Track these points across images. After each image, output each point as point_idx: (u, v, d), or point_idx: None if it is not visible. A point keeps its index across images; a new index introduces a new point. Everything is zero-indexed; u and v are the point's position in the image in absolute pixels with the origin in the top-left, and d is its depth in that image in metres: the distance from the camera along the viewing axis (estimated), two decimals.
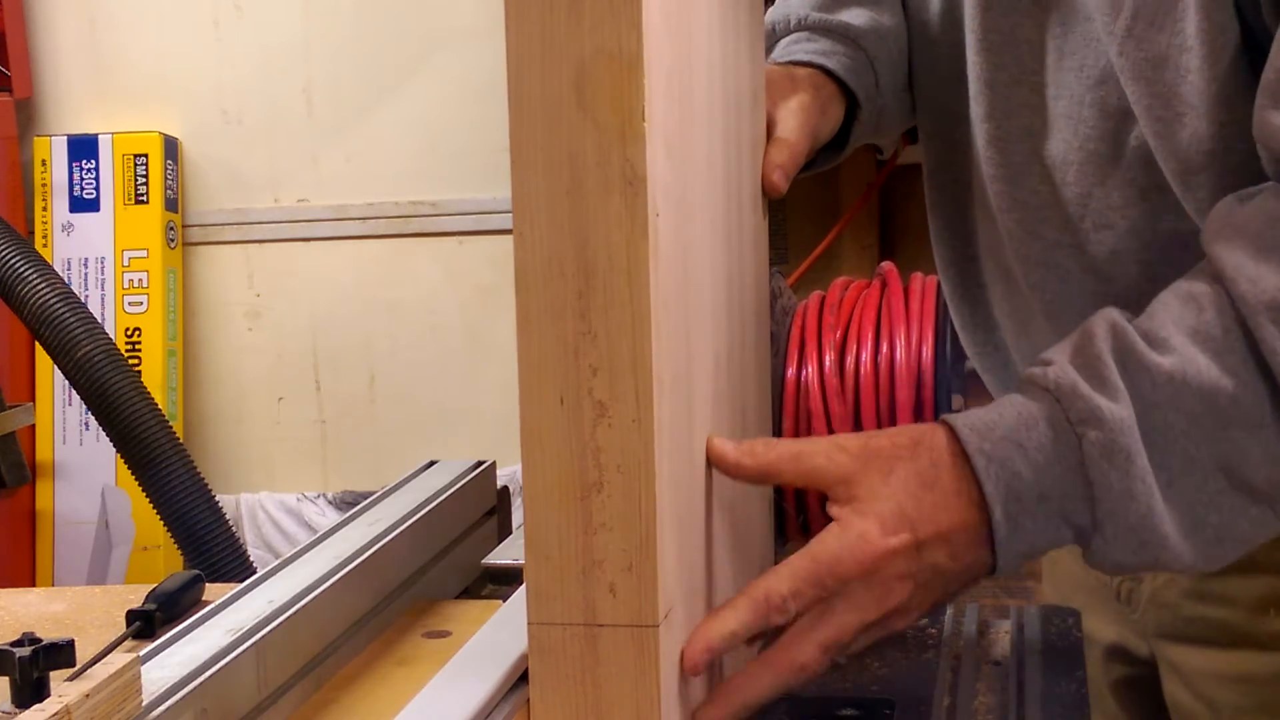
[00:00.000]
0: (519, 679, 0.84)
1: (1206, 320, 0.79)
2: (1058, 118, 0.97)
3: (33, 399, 3.01)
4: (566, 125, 0.68)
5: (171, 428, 2.25)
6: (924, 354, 2.15)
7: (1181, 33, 0.86)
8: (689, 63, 0.77)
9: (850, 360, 2.18)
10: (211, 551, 2.18)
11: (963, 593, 0.83)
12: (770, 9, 1.13)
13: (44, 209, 3.09)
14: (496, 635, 0.91)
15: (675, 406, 0.74)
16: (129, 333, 3.05)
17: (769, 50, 1.10)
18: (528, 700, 0.78)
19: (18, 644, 0.89)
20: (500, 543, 1.27)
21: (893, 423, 2.34)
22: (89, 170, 3.08)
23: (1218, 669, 1.03)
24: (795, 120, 1.00)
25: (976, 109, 1.01)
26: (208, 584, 1.17)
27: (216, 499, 2.25)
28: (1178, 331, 0.79)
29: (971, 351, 1.18)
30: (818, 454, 0.82)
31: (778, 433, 2.28)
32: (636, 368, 0.69)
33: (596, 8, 0.67)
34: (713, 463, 0.82)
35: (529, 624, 0.73)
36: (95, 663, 0.85)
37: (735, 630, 0.77)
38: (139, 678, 0.84)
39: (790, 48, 1.08)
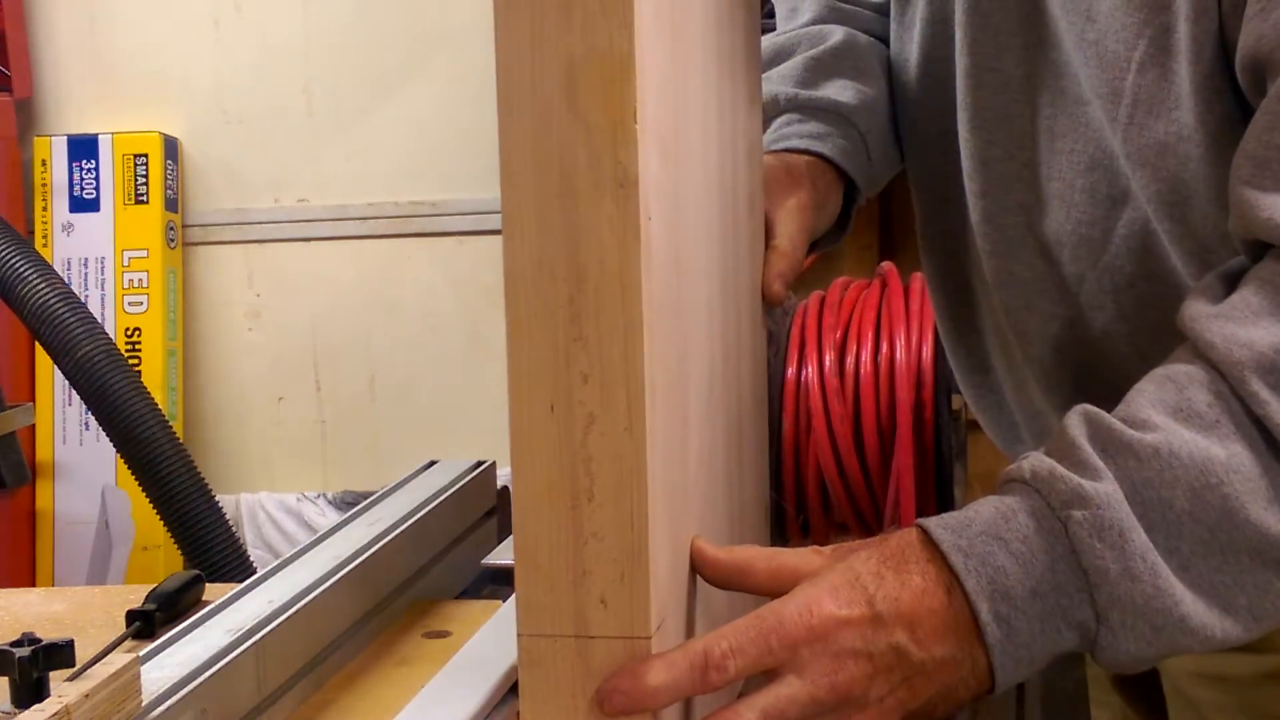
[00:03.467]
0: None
1: (1189, 397, 0.74)
2: (1051, 197, 0.96)
3: (33, 399, 3.01)
4: (557, 127, 0.67)
5: (171, 428, 2.25)
6: (924, 354, 2.15)
7: (1177, 122, 0.85)
8: (683, 63, 0.76)
9: (850, 360, 2.18)
10: (211, 551, 2.18)
11: (953, 706, 0.74)
12: None
13: (44, 209, 3.09)
14: (496, 635, 0.91)
15: (668, 413, 0.73)
16: (129, 333, 3.05)
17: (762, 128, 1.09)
18: None
19: (17, 644, 0.89)
20: (500, 543, 1.27)
21: (893, 423, 2.34)
22: (89, 170, 3.08)
23: (1199, 668, 1.03)
24: (794, 224, 0.99)
25: (971, 185, 1.01)
26: (208, 584, 1.17)
27: (216, 499, 2.25)
28: (1157, 411, 0.75)
29: (967, 392, 1.17)
30: (791, 553, 0.78)
31: (777, 433, 2.27)
32: (628, 374, 0.68)
33: (587, 7, 0.66)
34: (694, 564, 0.78)
35: (519, 635, 0.71)
36: (95, 663, 0.85)
37: (663, 685, 0.70)
38: (139, 678, 0.84)
39: (783, 130, 1.07)
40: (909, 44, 1.07)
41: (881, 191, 1.18)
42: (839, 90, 1.07)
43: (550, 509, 0.70)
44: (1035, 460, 0.75)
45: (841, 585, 0.72)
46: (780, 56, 1.12)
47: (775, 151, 1.05)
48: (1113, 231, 0.93)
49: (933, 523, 0.75)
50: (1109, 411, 0.76)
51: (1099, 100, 0.90)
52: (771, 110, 1.08)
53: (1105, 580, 0.71)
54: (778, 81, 1.09)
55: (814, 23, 1.14)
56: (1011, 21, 0.95)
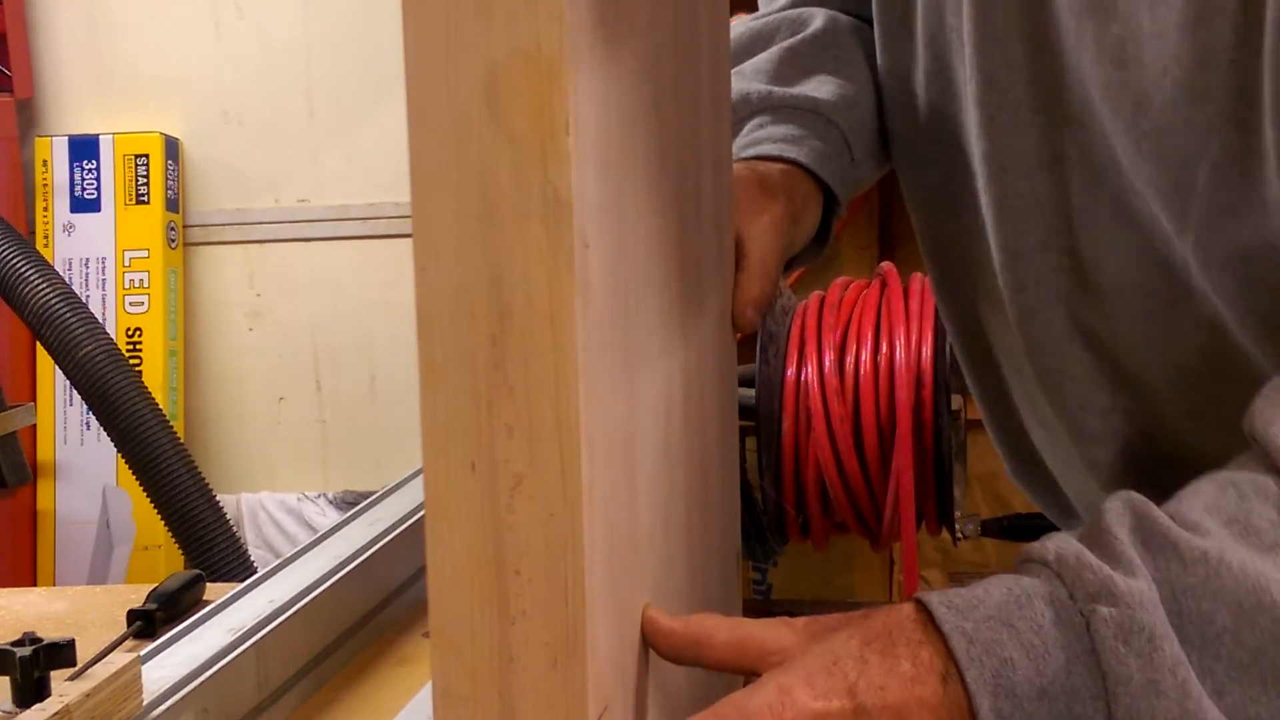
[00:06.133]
0: None
1: (1249, 509, 0.65)
2: (1098, 290, 0.87)
3: (34, 399, 3.01)
4: (476, 140, 0.57)
5: (172, 428, 2.25)
6: (924, 354, 2.14)
7: (1265, 229, 0.77)
8: (630, 64, 0.66)
9: (850, 360, 2.17)
10: (212, 551, 2.18)
11: None
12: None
13: (45, 209, 3.09)
14: None
15: (611, 469, 0.63)
16: (130, 333, 3.05)
17: (734, 129, 1.00)
18: None
19: (19, 643, 0.89)
20: None
21: (892, 423, 2.33)
22: (90, 170, 3.09)
23: None
24: (767, 243, 0.89)
25: (1004, 278, 0.91)
26: (208, 584, 1.17)
27: (217, 499, 2.25)
28: (1211, 517, 0.66)
29: (1012, 470, 1.06)
30: (756, 624, 0.68)
31: (777, 436, 2.26)
32: (561, 427, 0.58)
33: (510, 1, 0.56)
34: (646, 637, 0.69)
35: None
36: (96, 662, 0.85)
37: None
38: (139, 677, 0.84)
39: (755, 134, 0.98)
40: (910, 104, 0.97)
41: (881, 191, 1.13)
42: (817, 86, 0.99)
43: (471, 584, 0.60)
44: (1061, 542, 0.65)
45: (818, 671, 0.63)
46: (756, 45, 1.04)
47: (746, 159, 0.96)
48: (1175, 326, 0.84)
49: (935, 599, 0.65)
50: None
51: (1156, 194, 0.80)
52: (743, 110, 1.00)
53: (1126, 690, 0.62)
54: (750, 77, 1.01)
55: (794, 4, 1.06)
56: (1032, 97, 0.86)
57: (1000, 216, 0.90)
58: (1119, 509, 0.66)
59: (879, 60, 1.01)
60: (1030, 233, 0.89)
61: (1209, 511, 0.65)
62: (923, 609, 0.65)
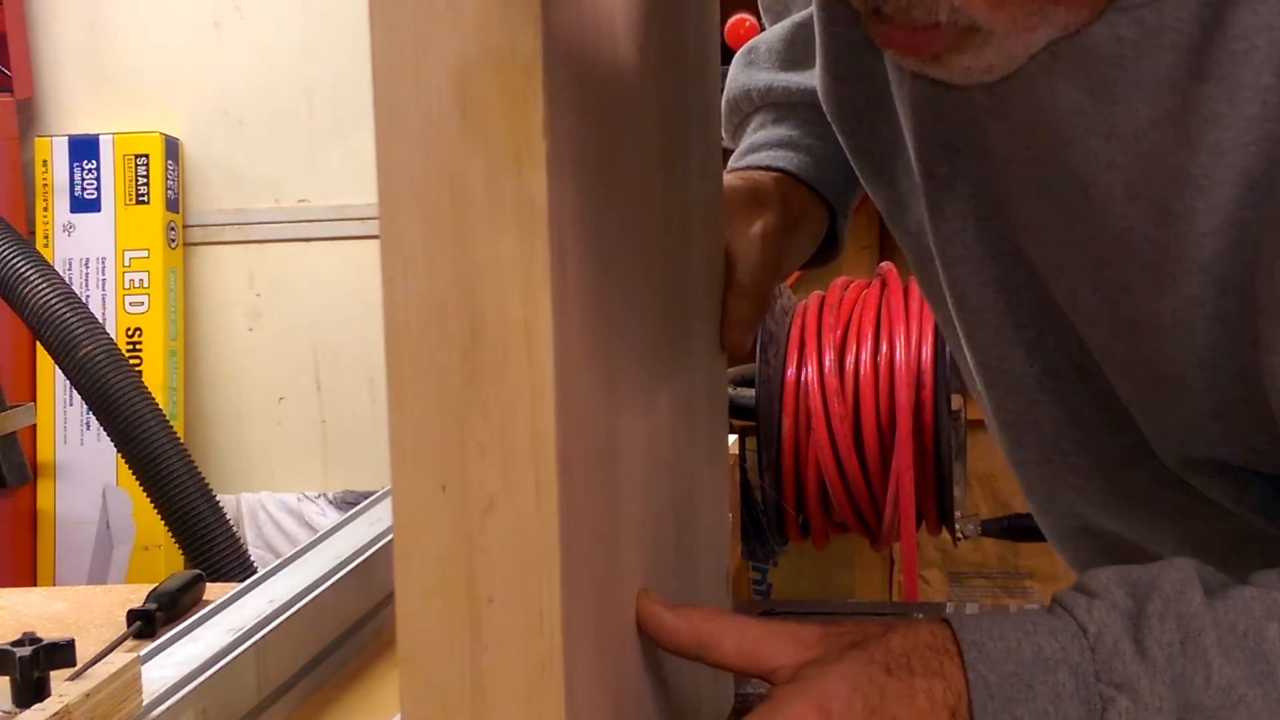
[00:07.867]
0: None
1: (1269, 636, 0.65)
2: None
3: (34, 399, 3.00)
4: (447, 145, 0.55)
5: (172, 428, 2.25)
6: (924, 354, 2.14)
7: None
8: (610, 63, 0.64)
9: (850, 360, 2.18)
10: (212, 551, 2.19)
11: None
12: (731, 79, 0.99)
13: (45, 209, 3.09)
14: None
15: (590, 492, 0.60)
16: (130, 333, 3.05)
17: (738, 128, 0.97)
18: None
19: (18, 643, 0.90)
20: None
21: (892, 423, 2.33)
22: (90, 171, 3.08)
23: None
24: (756, 257, 0.85)
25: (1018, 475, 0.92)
26: (208, 584, 1.18)
27: (217, 498, 2.25)
28: (1255, 636, 0.65)
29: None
30: (768, 633, 0.67)
31: (777, 436, 2.26)
32: (536, 447, 0.55)
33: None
34: (642, 625, 0.67)
35: None
36: (96, 662, 0.86)
37: None
38: (139, 677, 0.85)
39: (754, 137, 0.95)
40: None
41: None
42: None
43: (442, 611, 0.57)
44: (1104, 615, 0.65)
45: (833, 698, 0.63)
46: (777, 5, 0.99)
47: (739, 170, 0.92)
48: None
49: (968, 635, 0.65)
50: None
51: None
52: (746, 106, 0.97)
53: None
54: (763, 60, 0.96)
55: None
56: (1009, 317, 0.83)
57: (1000, 424, 0.89)
58: (1177, 587, 0.65)
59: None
60: (1029, 445, 0.88)
61: (1265, 618, 0.65)
62: (950, 637, 0.65)
